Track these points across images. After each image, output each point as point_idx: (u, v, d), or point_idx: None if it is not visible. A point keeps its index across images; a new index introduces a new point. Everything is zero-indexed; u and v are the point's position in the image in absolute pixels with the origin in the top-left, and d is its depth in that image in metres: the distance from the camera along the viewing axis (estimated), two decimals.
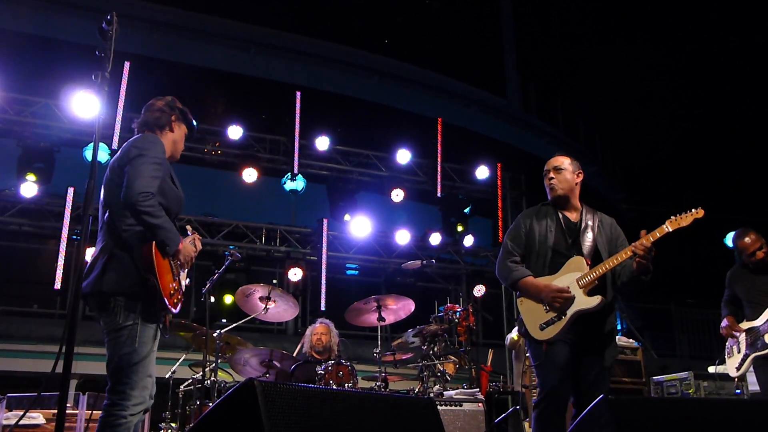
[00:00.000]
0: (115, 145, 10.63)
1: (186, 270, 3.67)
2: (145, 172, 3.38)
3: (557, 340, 4.00)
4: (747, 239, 5.69)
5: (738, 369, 5.55)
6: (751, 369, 5.59)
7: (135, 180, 3.34)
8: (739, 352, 5.60)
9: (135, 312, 3.32)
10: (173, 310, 3.46)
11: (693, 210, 3.92)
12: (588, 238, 4.18)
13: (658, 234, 3.93)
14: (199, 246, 3.86)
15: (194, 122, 3.98)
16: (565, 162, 4.35)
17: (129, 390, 3.27)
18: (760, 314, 5.51)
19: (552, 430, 3.92)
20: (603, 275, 4.04)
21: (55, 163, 11.11)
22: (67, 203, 10.36)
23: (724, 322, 5.67)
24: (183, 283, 3.65)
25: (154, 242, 3.34)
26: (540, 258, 4.19)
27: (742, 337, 5.59)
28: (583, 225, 4.24)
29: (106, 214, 3.51)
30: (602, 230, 4.25)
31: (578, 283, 4.01)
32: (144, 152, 3.47)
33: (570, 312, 3.98)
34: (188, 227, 4.19)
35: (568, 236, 4.22)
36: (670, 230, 3.93)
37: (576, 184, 4.33)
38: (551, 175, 4.33)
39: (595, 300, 3.97)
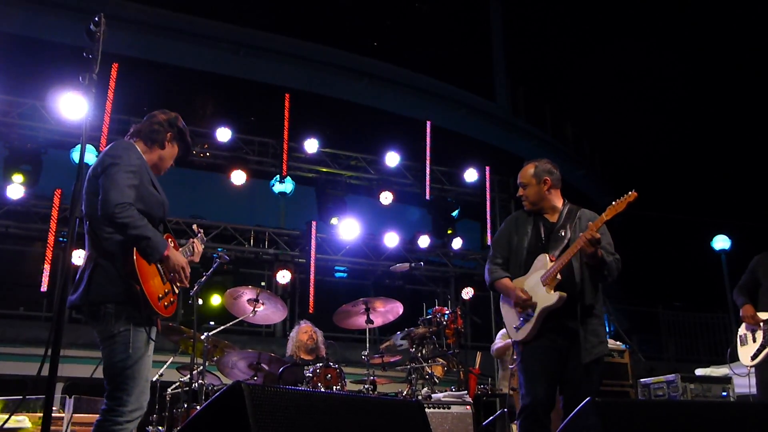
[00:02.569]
0: (102, 147, 10.57)
1: (179, 281, 3.61)
2: (119, 182, 3.36)
3: (533, 339, 4.09)
4: None
5: (753, 358, 5.55)
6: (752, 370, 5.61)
7: (110, 191, 3.33)
8: (755, 341, 5.59)
9: (125, 318, 3.31)
10: (164, 314, 3.43)
11: (626, 194, 4.00)
12: (561, 236, 4.23)
13: (599, 223, 4.00)
14: (199, 248, 3.92)
15: (190, 145, 3.94)
16: (528, 175, 4.42)
17: (125, 396, 3.27)
18: None
19: None
20: (571, 271, 4.09)
21: (42, 165, 11.05)
22: (54, 205, 10.29)
23: (746, 310, 5.63)
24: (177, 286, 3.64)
25: (134, 248, 3.34)
26: (518, 260, 4.31)
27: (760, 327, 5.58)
28: (559, 224, 4.29)
29: (87, 223, 3.51)
30: (578, 227, 4.26)
31: (542, 281, 4.09)
32: (117, 161, 3.44)
33: (536, 311, 4.07)
34: (195, 226, 4.21)
35: (543, 236, 4.30)
36: (606, 218, 3.99)
37: (545, 191, 4.36)
38: (519, 192, 4.48)
39: (554, 296, 4.02)
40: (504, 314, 4.32)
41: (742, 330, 5.78)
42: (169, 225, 3.88)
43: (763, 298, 5.67)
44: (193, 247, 3.91)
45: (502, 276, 4.30)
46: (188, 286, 3.67)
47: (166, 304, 3.45)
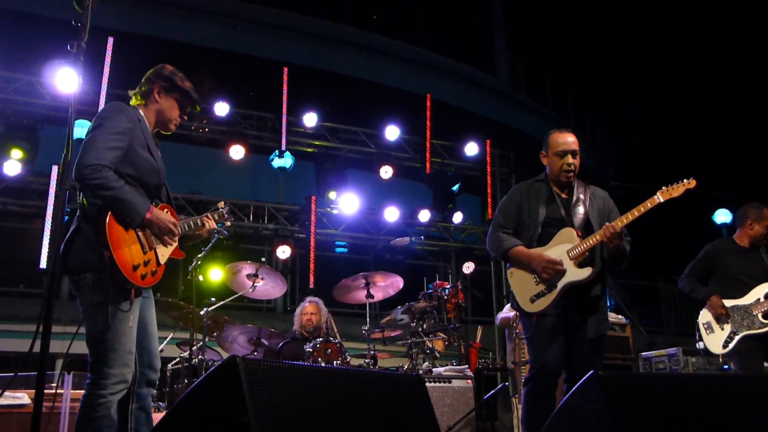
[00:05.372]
0: None
1: (172, 239, 3.46)
2: (97, 143, 3.19)
3: (548, 312, 3.98)
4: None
5: (725, 347, 5.50)
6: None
7: (84, 153, 3.17)
8: (723, 330, 5.55)
9: (105, 288, 3.15)
10: (140, 285, 3.26)
11: (684, 180, 3.92)
12: (579, 211, 4.15)
13: (649, 204, 3.94)
14: (210, 224, 3.78)
15: (189, 90, 3.66)
16: (579, 145, 4.26)
17: (107, 369, 3.16)
18: (745, 293, 5.48)
19: (541, 407, 3.89)
20: (593, 248, 4.02)
21: (39, 141, 10.98)
22: (51, 181, 10.22)
23: (716, 301, 5.56)
24: (165, 254, 3.46)
25: (109, 213, 3.17)
26: (530, 232, 4.16)
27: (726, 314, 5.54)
28: (574, 198, 4.21)
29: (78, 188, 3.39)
30: (594, 203, 4.22)
31: (568, 255, 3.99)
32: (103, 122, 3.28)
33: (561, 284, 3.96)
34: (221, 204, 4.10)
35: (559, 210, 4.18)
36: (662, 200, 3.92)
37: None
38: (571, 160, 4.20)
39: (586, 271, 3.95)
40: (516, 284, 4.15)
41: (705, 318, 5.67)
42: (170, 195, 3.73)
43: (719, 286, 5.61)
44: (201, 221, 3.74)
45: (517, 244, 4.12)
46: (176, 242, 3.49)
47: (143, 273, 3.27)
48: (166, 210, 3.52)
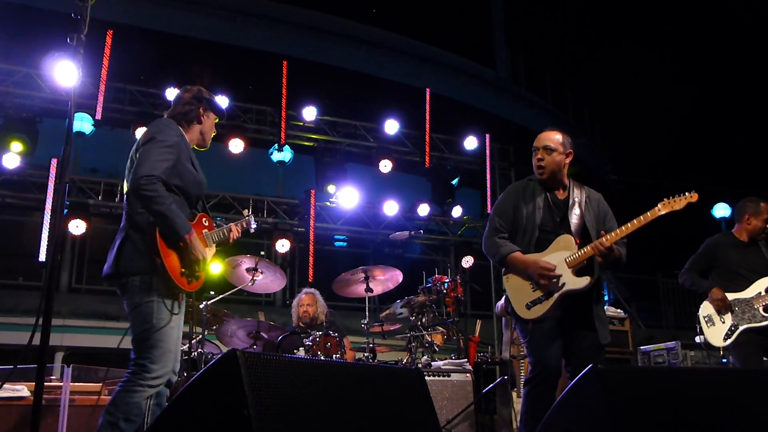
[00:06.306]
0: (98, 116, 10.50)
1: (210, 248, 3.76)
2: (151, 156, 3.43)
3: (544, 318, 3.95)
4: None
5: (726, 339, 5.51)
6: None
7: (141, 165, 3.41)
8: (723, 322, 5.55)
9: (150, 290, 3.40)
10: (186, 289, 3.54)
11: (687, 193, 3.92)
12: (575, 215, 4.10)
13: (650, 215, 3.92)
14: (236, 234, 4.02)
15: (222, 107, 4.06)
16: (556, 141, 4.17)
17: (150, 364, 3.38)
18: (746, 287, 5.49)
19: (541, 408, 3.87)
20: (591, 255, 3.99)
21: (37, 134, 10.96)
22: (50, 174, 10.21)
23: (718, 294, 5.56)
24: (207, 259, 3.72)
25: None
26: (526, 236, 4.11)
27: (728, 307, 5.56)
28: (570, 202, 4.16)
29: (125, 200, 3.62)
30: (590, 207, 4.17)
31: (566, 262, 3.96)
32: (155, 135, 3.54)
33: (559, 292, 3.93)
34: (246, 211, 4.39)
35: (555, 214, 4.14)
36: (663, 213, 3.92)
37: (566, 163, 4.20)
38: (540, 155, 4.16)
39: (584, 281, 3.92)
40: (512, 290, 4.10)
41: (705, 311, 5.67)
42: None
43: (720, 280, 5.61)
44: (227, 232, 3.97)
45: (515, 250, 4.06)
46: (199, 278, 3.68)
47: (188, 279, 3.54)
48: (204, 219, 3.81)
